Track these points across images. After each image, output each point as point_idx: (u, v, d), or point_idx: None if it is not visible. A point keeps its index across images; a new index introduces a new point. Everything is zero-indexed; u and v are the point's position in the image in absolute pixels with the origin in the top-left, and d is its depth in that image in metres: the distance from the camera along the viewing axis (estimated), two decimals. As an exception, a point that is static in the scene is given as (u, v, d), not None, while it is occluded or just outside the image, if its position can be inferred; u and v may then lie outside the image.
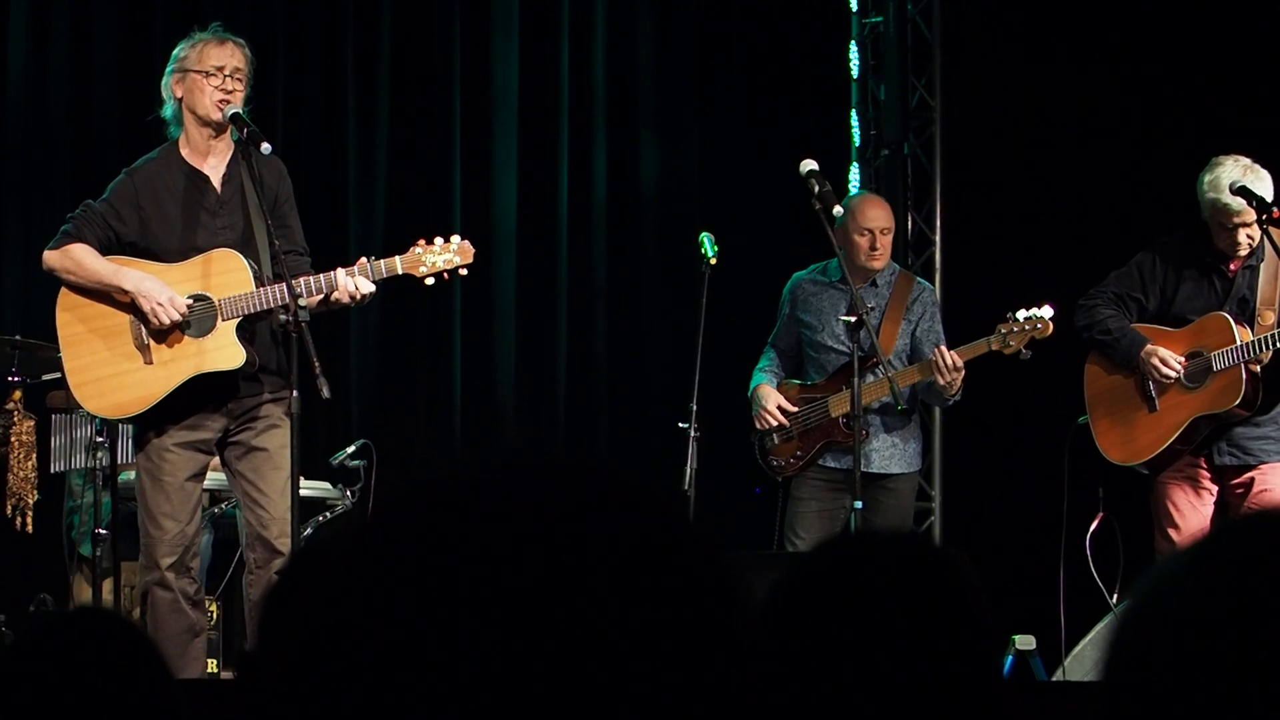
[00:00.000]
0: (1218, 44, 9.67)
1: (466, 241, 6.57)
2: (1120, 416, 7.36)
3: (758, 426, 7.87)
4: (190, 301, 6.39)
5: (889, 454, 7.77)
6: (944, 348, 7.52)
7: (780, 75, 10.80)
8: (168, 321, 6.35)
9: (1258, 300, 7.14)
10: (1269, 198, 7.04)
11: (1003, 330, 7.50)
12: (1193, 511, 7.20)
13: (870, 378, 7.55)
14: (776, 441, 7.85)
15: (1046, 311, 7.46)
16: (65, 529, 8.27)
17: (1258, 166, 7.08)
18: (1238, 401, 7.06)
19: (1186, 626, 1.20)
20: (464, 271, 6.57)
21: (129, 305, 6.43)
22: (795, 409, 7.83)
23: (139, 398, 6.44)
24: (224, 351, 6.38)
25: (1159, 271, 7.33)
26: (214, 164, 6.57)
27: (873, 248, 7.78)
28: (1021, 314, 7.49)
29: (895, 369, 7.59)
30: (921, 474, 10.62)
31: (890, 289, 7.90)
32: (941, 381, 7.46)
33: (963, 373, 7.47)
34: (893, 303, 7.86)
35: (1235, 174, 7.05)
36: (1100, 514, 7.66)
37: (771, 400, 7.83)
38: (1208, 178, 7.09)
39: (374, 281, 6.42)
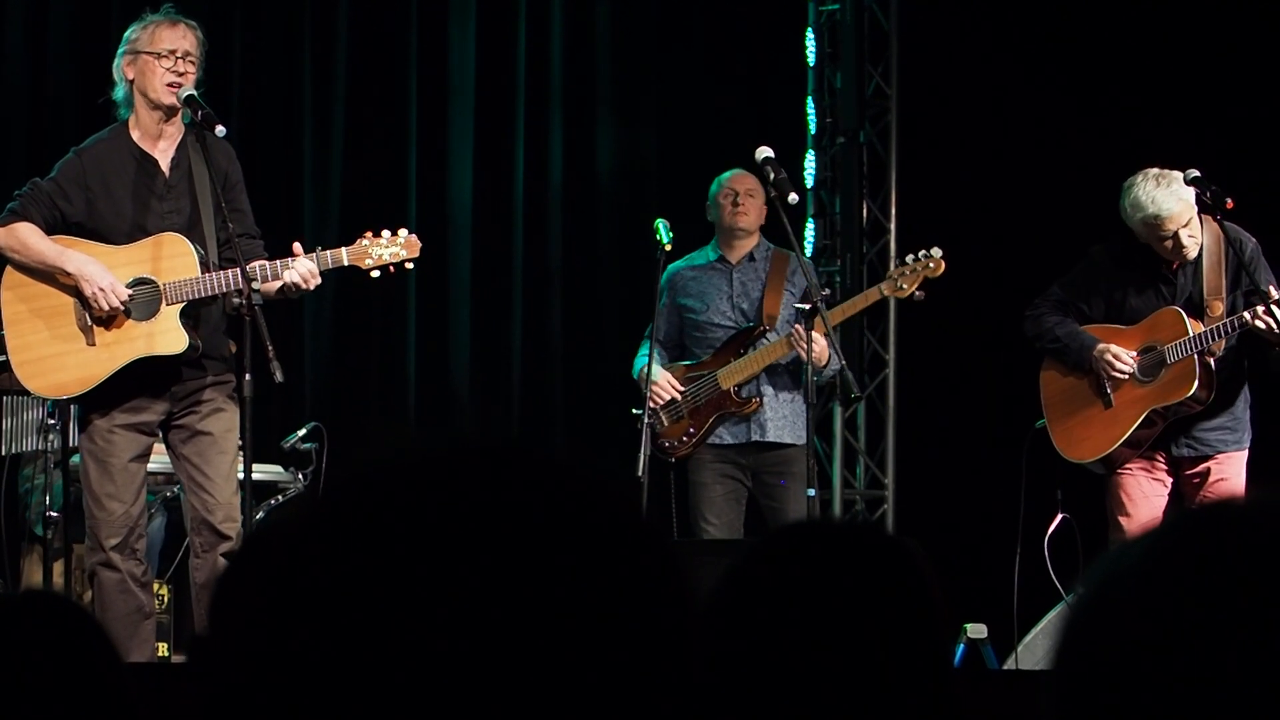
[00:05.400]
0: (1174, 34, 9.70)
1: (414, 236, 6.57)
2: (1077, 416, 7.36)
3: (652, 405, 7.73)
4: (132, 289, 6.37)
5: (782, 424, 7.84)
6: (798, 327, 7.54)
7: (737, 62, 10.81)
8: (107, 307, 6.34)
9: (1204, 292, 7.15)
10: (1188, 197, 7.00)
11: (893, 275, 7.61)
12: (1144, 501, 7.22)
13: (763, 343, 7.78)
14: (666, 423, 7.85)
15: (936, 251, 7.55)
16: (19, 511, 8.23)
17: (1168, 171, 7.05)
18: (1191, 392, 7.07)
19: (1140, 615, 1.20)
20: (410, 266, 6.58)
21: (73, 286, 6.41)
22: (684, 388, 7.85)
23: (80, 378, 6.42)
24: (167, 336, 6.37)
25: (1102, 281, 7.33)
26: (163, 147, 6.55)
27: (735, 204, 7.99)
28: (910, 257, 7.60)
29: (780, 338, 7.77)
30: (875, 462, 10.70)
31: (768, 264, 8.04)
32: (802, 354, 7.40)
33: (821, 343, 7.45)
34: (773, 275, 8.00)
35: (1151, 187, 7.00)
36: (1059, 515, 7.68)
37: (662, 376, 7.86)
38: (1128, 201, 7.04)
39: (320, 272, 6.43)
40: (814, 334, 7.41)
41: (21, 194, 6.51)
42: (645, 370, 7.79)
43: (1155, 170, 7.05)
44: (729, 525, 7.78)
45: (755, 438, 7.79)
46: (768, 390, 7.81)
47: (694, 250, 8.12)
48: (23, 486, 8.31)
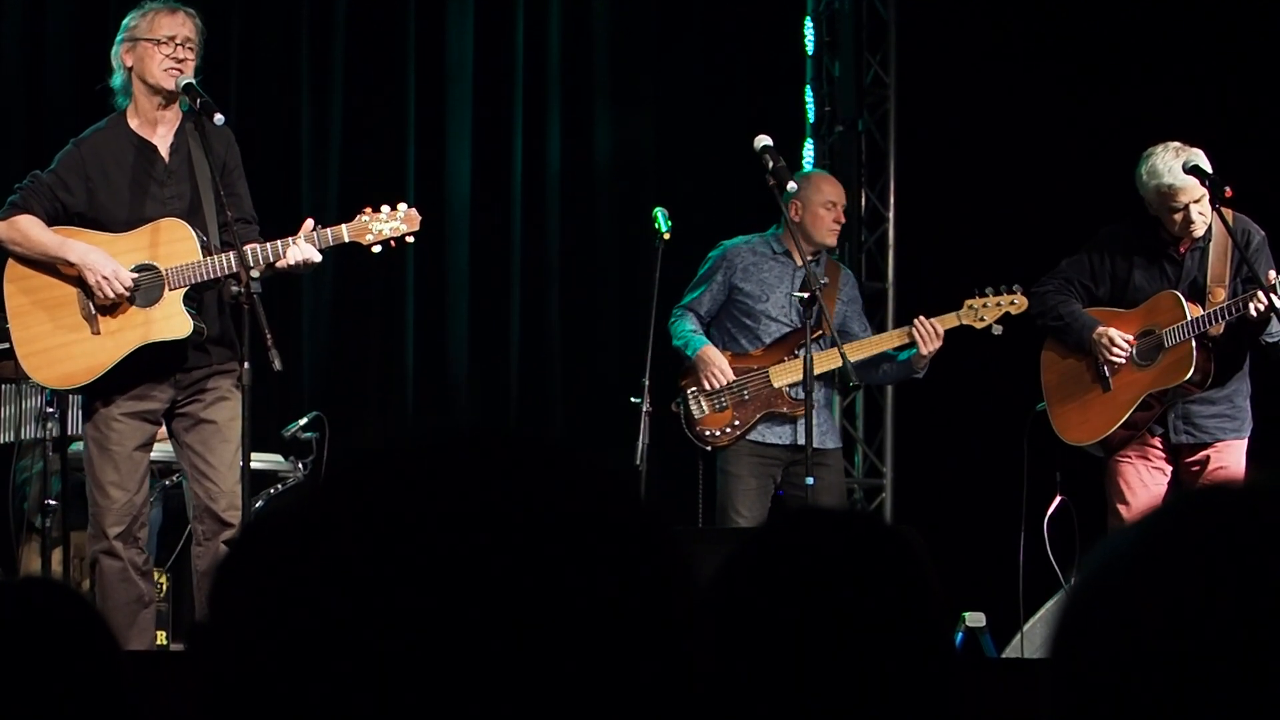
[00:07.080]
0: (1174, 24, 9.70)
1: (414, 209, 6.58)
2: (1076, 398, 7.38)
3: (707, 386, 7.76)
4: (135, 275, 6.37)
5: (825, 429, 7.80)
6: (924, 318, 7.60)
7: (736, 50, 10.81)
8: (112, 295, 6.34)
9: (1208, 279, 7.17)
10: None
11: (974, 305, 7.58)
12: (1144, 489, 7.24)
13: (816, 348, 7.62)
14: (707, 410, 7.79)
15: (1018, 288, 7.58)
16: (15, 500, 8.23)
17: (1189, 147, 7.09)
18: (1188, 376, 7.09)
19: (1137, 600, 1.20)
20: (411, 239, 6.60)
21: (76, 276, 6.41)
22: (733, 377, 7.81)
23: (87, 367, 6.42)
24: (171, 321, 6.38)
25: (1109, 260, 7.36)
26: (162, 134, 6.56)
27: (836, 221, 7.87)
28: (990, 289, 7.60)
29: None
30: (873, 451, 10.70)
31: (823, 270, 7.92)
32: (925, 351, 7.51)
33: (941, 342, 7.55)
34: (829, 284, 7.90)
35: (1170, 158, 7.05)
36: (1058, 497, 7.67)
37: (723, 361, 7.80)
38: (1145, 168, 7.10)
39: (320, 250, 6.43)
40: (937, 325, 7.49)
41: (22, 187, 6.51)
42: (702, 349, 7.75)
43: (1176, 143, 7.09)
44: (756, 519, 7.76)
45: (800, 441, 7.62)
46: (819, 395, 7.70)
47: (746, 233, 7.98)
48: (20, 476, 8.30)
